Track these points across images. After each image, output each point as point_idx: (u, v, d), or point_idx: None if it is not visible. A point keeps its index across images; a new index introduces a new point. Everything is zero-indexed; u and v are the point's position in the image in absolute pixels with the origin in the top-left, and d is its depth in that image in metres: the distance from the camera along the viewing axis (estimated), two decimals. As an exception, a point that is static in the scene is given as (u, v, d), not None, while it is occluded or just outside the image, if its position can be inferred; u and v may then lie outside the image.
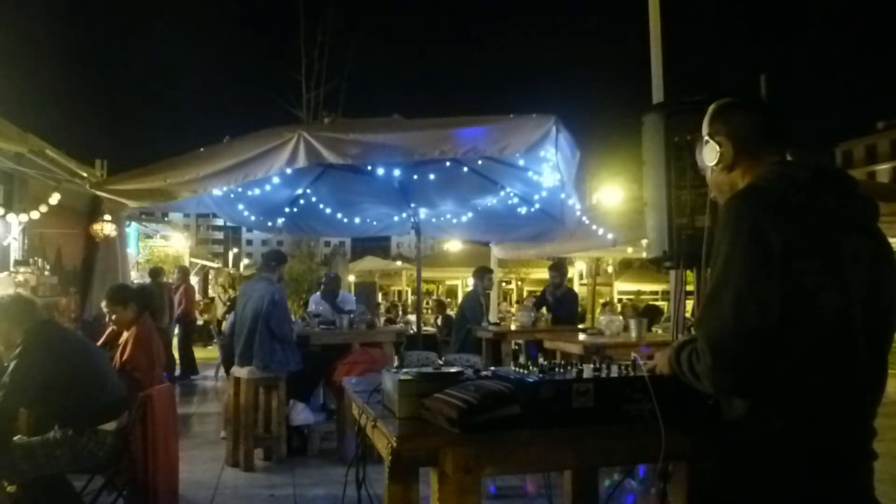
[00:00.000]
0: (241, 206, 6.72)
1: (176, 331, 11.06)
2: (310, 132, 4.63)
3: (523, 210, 7.16)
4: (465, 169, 6.39)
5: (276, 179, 5.89)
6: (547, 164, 5.15)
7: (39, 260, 7.14)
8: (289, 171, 4.94)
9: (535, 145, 4.54)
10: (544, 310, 7.17)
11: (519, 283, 25.36)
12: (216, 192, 5.60)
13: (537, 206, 6.88)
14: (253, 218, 7.25)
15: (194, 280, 15.89)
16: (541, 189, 6.23)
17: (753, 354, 1.42)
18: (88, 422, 3.33)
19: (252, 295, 5.35)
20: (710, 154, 1.70)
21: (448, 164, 6.17)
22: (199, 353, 11.21)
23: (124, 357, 3.93)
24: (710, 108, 1.75)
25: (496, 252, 10.22)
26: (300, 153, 4.53)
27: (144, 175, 5.11)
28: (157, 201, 5.20)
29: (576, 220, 6.27)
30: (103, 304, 4.21)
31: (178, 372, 9.82)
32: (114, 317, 4.09)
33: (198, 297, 14.92)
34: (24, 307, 3.37)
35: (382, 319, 10.54)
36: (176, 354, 10.40)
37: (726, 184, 1.71)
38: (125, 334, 4.06)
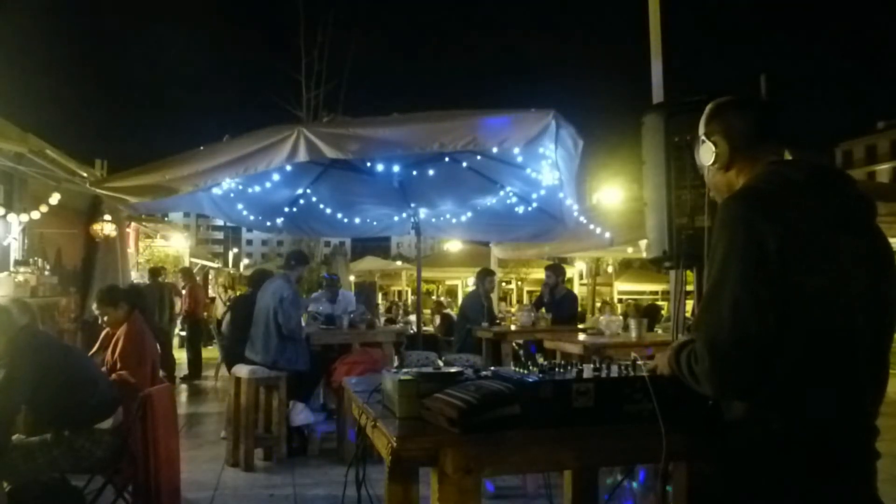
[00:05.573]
0: (240, 206, 6.71)
1: (177, 330, 11.04)
2: (309, 129, 4.64)
3: (521, 210, 7.15)
4: (464, 165, 6.37)
5: (275, 177, 5.90)
6: (546, 161, 5.15)
7: (39, 260, 7.14)
8: (288, 167, 4.94)
9: (534, 139, 4.52)
10: (543, 310, 7.16)
11: (519, 283, 25.36)
12: (216, 190, 5.59)
13: (535, 205, 6.87)
14: (252, 217, 7.24)
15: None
16: (539, 188, 6.22)
17: (752, 357, 1.41)
18: (83, 421, 3.33)
19: (267, 290, 5.46)
20: (706, 154, 1.70)
21: (447, 160, 6.17)
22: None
23: (115, 354, 3.94)
24: (707, 108, 1.74)
25: (496, 252, 10.21)
26: (300, 148, 4.54)
27: (144, 172, 5.11)
28: (156, 196, 5.19)
29: (574, 219, 6.27)
30: (94, 305, 4.22)
31: (178, 372, 9.80)
32: (105, 318, 4.11)
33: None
34: (2, 317, 3.30)
35: (382, 319, 10.53)
36: (176, 354, 10.39)
37: (723, 184, 1.70)
38: (117, 333, 4.06)
